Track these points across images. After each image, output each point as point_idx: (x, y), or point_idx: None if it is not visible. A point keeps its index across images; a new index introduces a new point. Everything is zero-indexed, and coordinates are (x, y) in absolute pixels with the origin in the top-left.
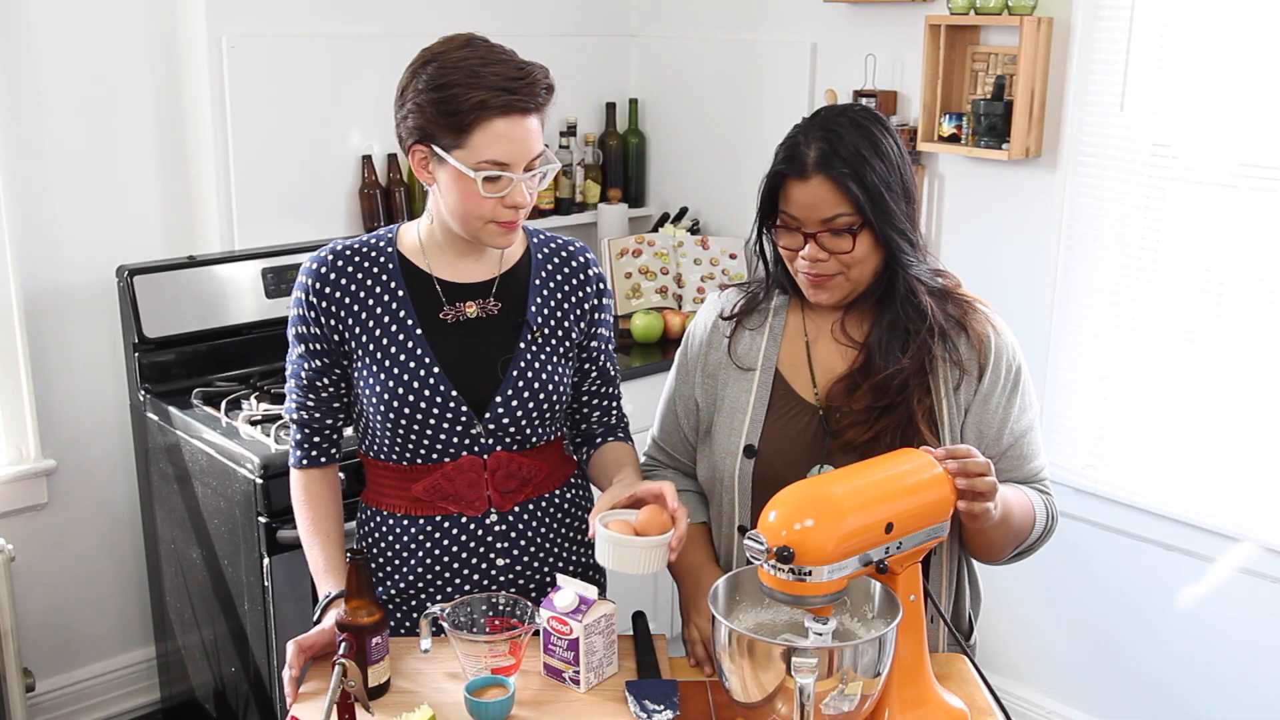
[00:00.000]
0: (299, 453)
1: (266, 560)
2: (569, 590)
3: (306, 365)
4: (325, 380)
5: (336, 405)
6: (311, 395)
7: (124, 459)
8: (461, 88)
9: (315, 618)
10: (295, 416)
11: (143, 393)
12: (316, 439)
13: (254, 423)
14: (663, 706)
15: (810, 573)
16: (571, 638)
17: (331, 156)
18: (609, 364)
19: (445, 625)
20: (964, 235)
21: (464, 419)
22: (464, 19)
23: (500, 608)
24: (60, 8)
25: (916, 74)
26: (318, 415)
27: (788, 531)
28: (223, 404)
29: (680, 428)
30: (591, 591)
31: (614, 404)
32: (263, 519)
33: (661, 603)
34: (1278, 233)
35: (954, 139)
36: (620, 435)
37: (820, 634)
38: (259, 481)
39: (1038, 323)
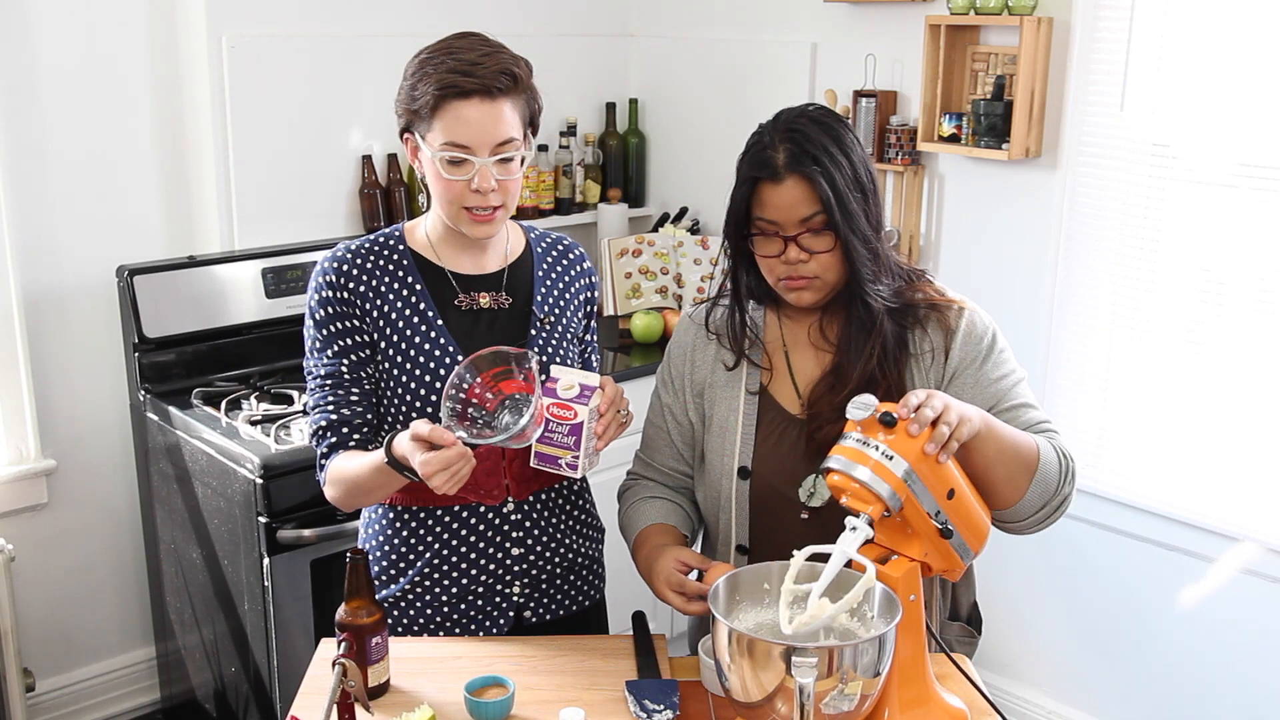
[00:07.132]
0: (327, 455)
1: (266, 560)
2: (569, 377)
3: (346, 360)
4: (366, 372)
5: (374, 401)
6: (355, 390)
7: (124, 459)
8: (428, 75)
9: (387, 445)
10: (334, 418)
11: (143, 393)
12: (351, 444)
13: (254, 423)
14: (662, 706)
15: (893, 458)
16: (575, 422)
17: (331, 156)
18: (592, 355)
19: (463, 435)
20: (964, 235)
21: None
22: (464, 19)
23: (483, 365)
24: (61, 8)
25: (916, 74)
26: (359, 410)
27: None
28: (223, 404)
29: (673, 443)
30: (593, 379)
31: None
32: (263, 519)
33: (662, 603)
34: (1278, 233)
35: (954, 139)
36: None
37: (855, 529)
38: (259, 481)
39: (1038, 323)
